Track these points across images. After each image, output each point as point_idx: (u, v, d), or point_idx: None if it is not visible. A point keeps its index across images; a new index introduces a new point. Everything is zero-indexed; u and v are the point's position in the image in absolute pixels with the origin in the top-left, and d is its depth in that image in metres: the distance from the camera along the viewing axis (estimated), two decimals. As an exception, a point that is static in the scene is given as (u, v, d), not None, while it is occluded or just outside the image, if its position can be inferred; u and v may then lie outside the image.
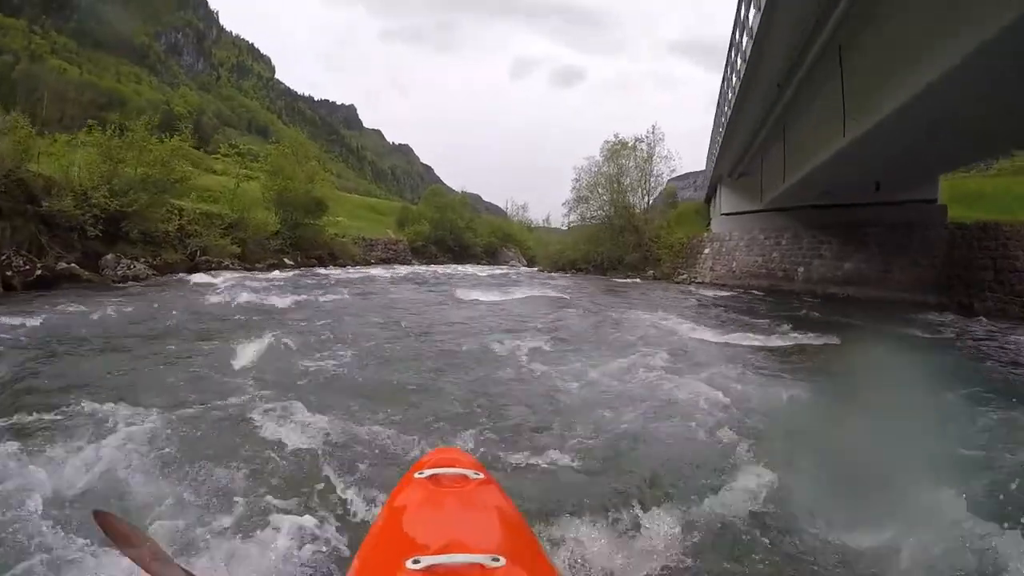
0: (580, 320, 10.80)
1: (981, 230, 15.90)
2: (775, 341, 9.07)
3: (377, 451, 3.63)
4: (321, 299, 12.49)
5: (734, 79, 15.46)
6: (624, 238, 29.64)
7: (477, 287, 17.01)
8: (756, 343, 8.77)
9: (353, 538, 2.21)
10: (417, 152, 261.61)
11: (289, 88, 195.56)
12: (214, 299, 11.09)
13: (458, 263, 44.84)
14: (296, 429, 3.92)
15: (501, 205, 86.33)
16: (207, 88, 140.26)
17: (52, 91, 54.49)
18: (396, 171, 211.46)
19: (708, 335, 9.32)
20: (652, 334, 9.12)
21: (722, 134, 20.60)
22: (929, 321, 12.44)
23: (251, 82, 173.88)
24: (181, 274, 17.00)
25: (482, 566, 1.10)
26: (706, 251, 25.36)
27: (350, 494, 2.98)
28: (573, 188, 33.56)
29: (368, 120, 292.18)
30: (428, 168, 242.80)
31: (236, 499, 2.84)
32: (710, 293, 20.13)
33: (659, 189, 32.93)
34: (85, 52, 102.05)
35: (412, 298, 13.85)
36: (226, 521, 2.64)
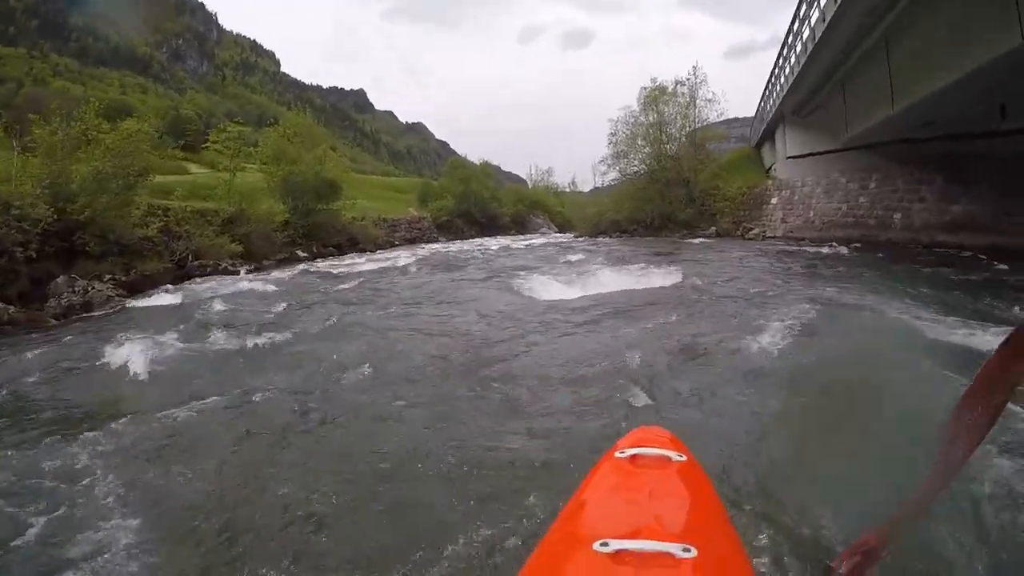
0: (718, 311, 7.80)
1: None
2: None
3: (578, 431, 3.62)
4: (326, 318, 9.09)
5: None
6: (673, 192, 25.54)
7: (535, 271, 13.21)
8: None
9: (548, 519, 1.91)
10: (432, 129, 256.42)
11: (297, 80, 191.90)
12: (164, 339, 7.45)
13: (486, 235, 41.17)
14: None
15: (521, 174, 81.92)
16: (214, 90, 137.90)
17: (57, 111, 50.99)
18: (412, 150, 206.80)
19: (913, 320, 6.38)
20: (841, 318, 6.85)
21: (799, 61, 16.45)
22: None
23: (257, 78, 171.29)
24: (165, 287, 13.56)
25: (672, 555, 0.97)
26: (773, 201, 21.22)
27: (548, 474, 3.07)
28: (610, 143, 29.47)
29: (379, 103, 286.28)
30: (444, 144, 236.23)
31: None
32: (801, 249, 16.22)
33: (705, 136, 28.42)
34: (87, 70, 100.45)
35: (475, 302, 9.39)
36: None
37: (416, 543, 2.64)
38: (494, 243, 29.53)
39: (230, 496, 3.32)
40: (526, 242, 27.60)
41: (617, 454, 1.44)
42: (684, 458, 1.42)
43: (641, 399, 4.34)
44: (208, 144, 21.03)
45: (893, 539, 0.97)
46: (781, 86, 19.81)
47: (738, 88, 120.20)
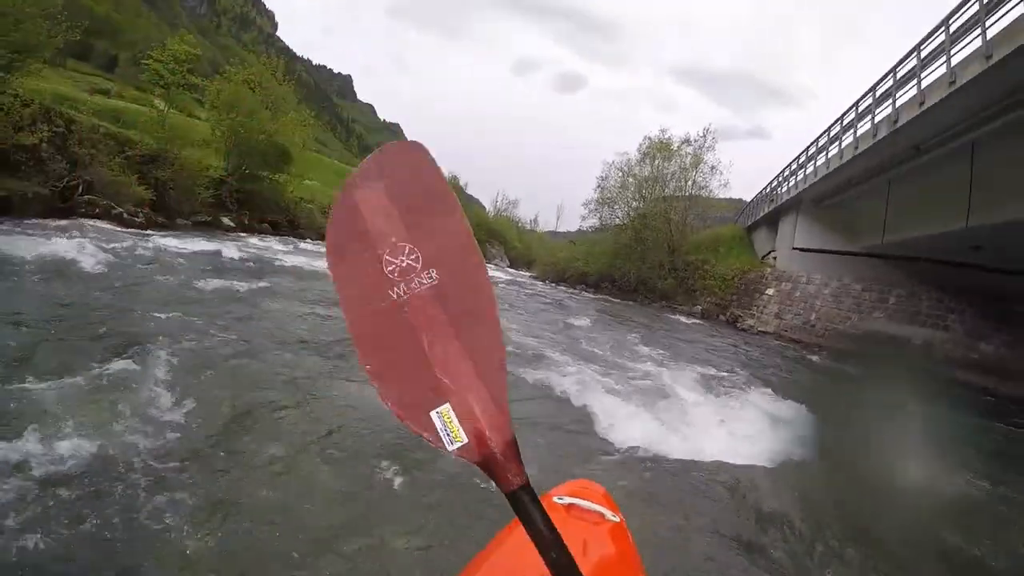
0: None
1: None
2: None
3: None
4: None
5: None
6: (654, 256, 23.06)
7: (554, 349, 10.04)
8: None
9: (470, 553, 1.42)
10: (407, 133, 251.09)
11: (288, 47, 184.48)
12: None
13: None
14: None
15: (482, 200, 79.06)
16: (205, 34, 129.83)
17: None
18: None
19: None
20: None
21: (848, 148, 14.32)
22: None
23: (251, 35, 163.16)
24: (28, 224, 9.88)
25: None
26: (769, 291, 18.93)
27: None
28: (598, 186, 26.83)
29: (362, 94, 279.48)
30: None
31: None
32: (805, 355, 13.95)
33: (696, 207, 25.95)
34: None
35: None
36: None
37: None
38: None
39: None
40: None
41: (555, 499, 1.43)
42: (617, 519, 1.42)
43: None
44: (148, 60, 17.02)
45: None
46: (814, 170, 17.60)
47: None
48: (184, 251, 10.27)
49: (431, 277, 0.86)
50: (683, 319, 18.67)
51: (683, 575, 2.80)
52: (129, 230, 12.16)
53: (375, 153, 0.93)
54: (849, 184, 15.81)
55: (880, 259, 16.12)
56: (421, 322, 0.84)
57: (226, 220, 18.09)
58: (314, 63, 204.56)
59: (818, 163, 17.55)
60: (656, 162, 24.92)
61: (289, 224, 23.57)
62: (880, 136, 12.27)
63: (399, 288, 0.85)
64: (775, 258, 20.49)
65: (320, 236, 25.68)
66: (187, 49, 17.37)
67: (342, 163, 57.38)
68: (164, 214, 15.18)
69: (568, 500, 1.42)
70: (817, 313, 16.90)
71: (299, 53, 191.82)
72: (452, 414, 0.81)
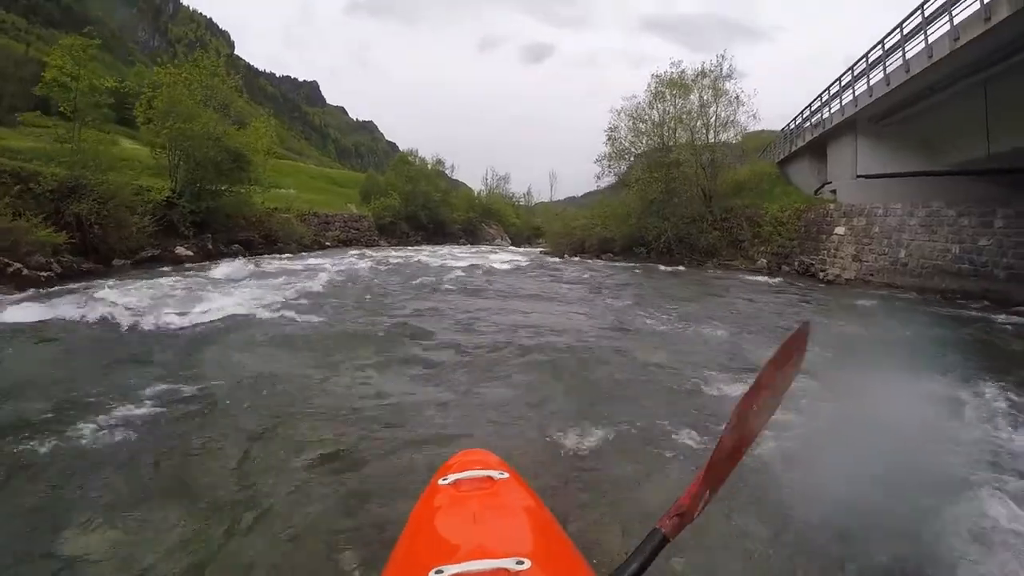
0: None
1: None
2: None
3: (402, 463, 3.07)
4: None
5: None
6: (689, 208, 19.52)
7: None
8: None
9: (382, 556, 1.42)
10: (383, 130, 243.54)
11: (249, 64, 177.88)
12: None
13: (433, 243, 34.55)
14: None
15: (470, 183, 74.92)
16: (161, 65, 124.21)
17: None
18: (360, 148, 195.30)
19: None
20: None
21: (917, 56, 11.05)
22: None
23: (209, 59, 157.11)
24: None
25: (506, 570, 0.94)
26: (839, 231, 15.38)
27: (375, 511, 2.60)
28: (608, 140, 23.04)
29: (331, 97, 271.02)
30: (393, 145, 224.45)
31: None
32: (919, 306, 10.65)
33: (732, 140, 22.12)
34: (35, 30, 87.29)
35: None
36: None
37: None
38: (452, 254, 22.82)
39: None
40: (496, 257, 20.95)
41: (440, 481, 1.40)
42: (507, 475, 1.39)
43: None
44: (43, 79, 13.18)
45: (703, 501, 0.96)
46: (870, 85, 14.28)
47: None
48: (59, 319, 6.70)
49: None
50: (747, 277, 15.27)
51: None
52: (26, 292, 8.71)
53: None
54: (924, 93, 12.38)
55: (974, 176, 12.79)
56: None
57: (182, 250, 14.60)
58: (278, 75, 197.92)
59: (872, 79, 14.52)
60: (676, 101, 21.11)
61: (265, 239, 20.10)
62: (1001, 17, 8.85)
63: None
64: (834, 191, 17.02)
65: (302, 247, 22.22)
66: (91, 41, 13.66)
67: (314, 165, 53.45)
68: (93, 257, 11.75)
69: (453, 477, 1.38)
70: (907, 249, 13.43)
71: (261, 68, 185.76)
72: None
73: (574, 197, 61.19)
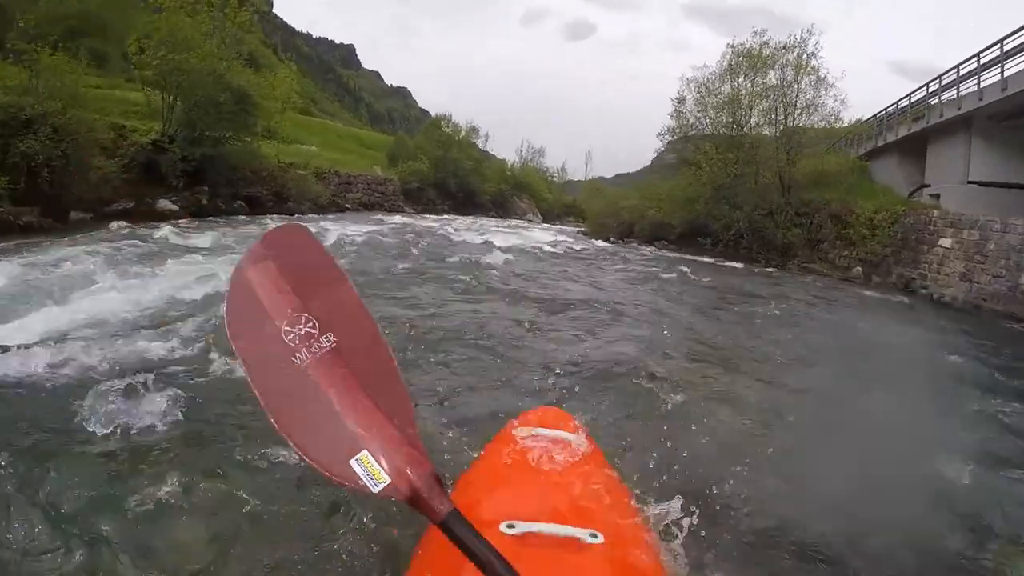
0: None
1: None
2: None
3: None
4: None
5: None
6: (766, 199, 16.47)
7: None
8: None
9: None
10: (416, 97, 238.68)
11: (287, 23, 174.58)
12: None
13: (460, 213, 31.49)
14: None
15: (507, 155, 71.48)
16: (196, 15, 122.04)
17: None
18: (393, 114, 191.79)
19: None
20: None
21: None
22: None
23: (247, 13, 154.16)
24: None
25: (579, 540, 0.91)
26: (944, 243, 12.28)
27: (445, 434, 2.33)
28: (673, 112, 19.93)
29: (367, 62, 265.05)
30: (426, 112, 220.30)
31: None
32: None
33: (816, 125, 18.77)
34: None
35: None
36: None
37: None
38: (486, 227, 19.94)
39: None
40: (535, 236, 17.90)
41: (516, 431, 1.34)
42: (585, 442, 1.32)
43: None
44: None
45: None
46: (1004, 77, 11.49)
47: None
48: None
49: (329, 340, 0.87)
50: (846, 288, 12.31)
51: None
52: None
53: (260, 239, 0.96)
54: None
55: None
56: (326, 381, 0.84)
57: (165, 203, 12.02)
58: (315, 36, 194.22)
59: (1007, 69, 11.71)
60: (755, 75, 17.84)
61: (274, 196, 17.51)
62: None
63: (301, 354, 0.85)
64: (934, 196, 13.97)
65: (318, 207, 19.62)
66: None
67: (347, 128, 50.57)
68: (40, 209, 9.21)
69: (531, 431, 1.32)
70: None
71: (298, 28, 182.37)
72: (371, 458, 0.80)
73: (603, 177, 58.29)
